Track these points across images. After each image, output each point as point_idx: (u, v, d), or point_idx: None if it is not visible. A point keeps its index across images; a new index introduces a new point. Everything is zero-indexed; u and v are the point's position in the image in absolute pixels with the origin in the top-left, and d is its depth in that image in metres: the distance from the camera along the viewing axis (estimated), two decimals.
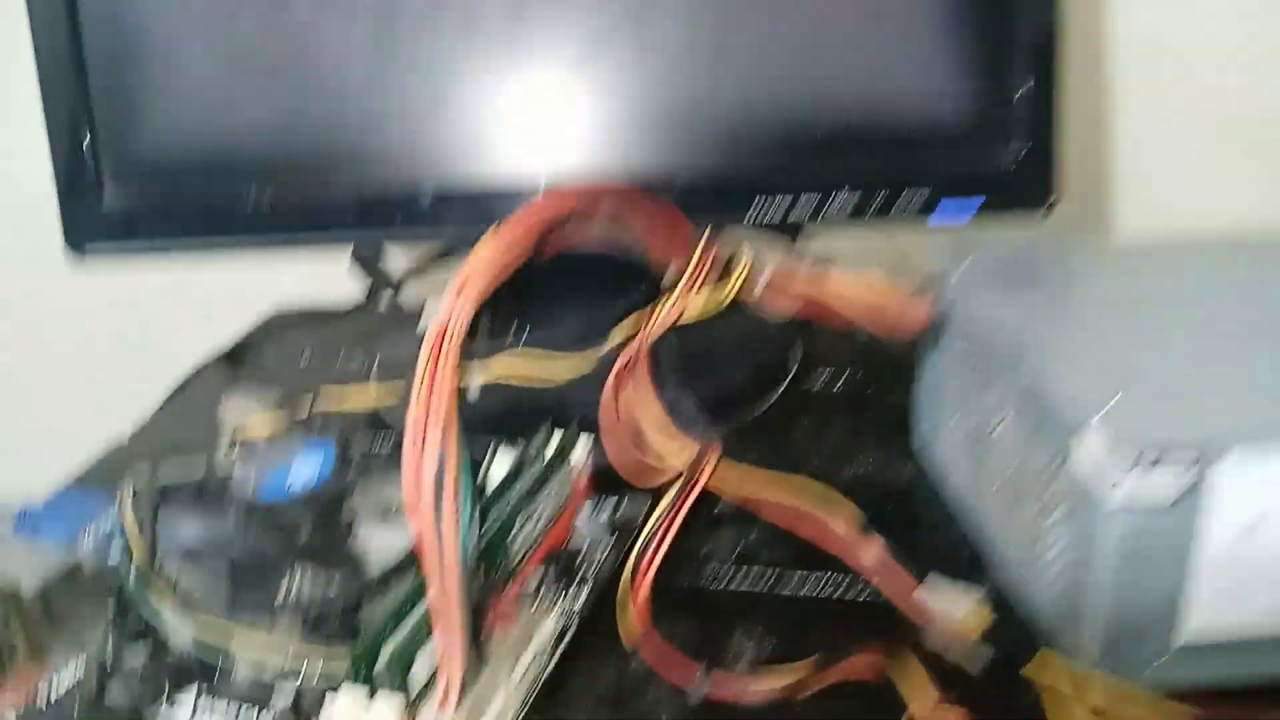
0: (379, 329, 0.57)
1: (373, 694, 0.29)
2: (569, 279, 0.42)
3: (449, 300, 0.31)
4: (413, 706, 0.30)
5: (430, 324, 0.30)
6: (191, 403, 0.54)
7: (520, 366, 0.40)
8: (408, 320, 0.56)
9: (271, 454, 0.35)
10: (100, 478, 0.48)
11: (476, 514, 0.30)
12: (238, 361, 0.57)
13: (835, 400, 0.51)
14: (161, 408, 0.55)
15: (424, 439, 0.29)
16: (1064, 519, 0.32)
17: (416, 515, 0.29)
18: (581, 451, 0.39)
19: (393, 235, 0.48)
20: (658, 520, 0.35)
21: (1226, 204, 0.63)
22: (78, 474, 0.48)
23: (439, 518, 0.29)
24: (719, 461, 0.37)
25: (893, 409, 0.47)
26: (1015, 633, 0.34)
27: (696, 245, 0.38)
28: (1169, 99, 0.61)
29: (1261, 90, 0.60)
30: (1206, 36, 0.59)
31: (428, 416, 0.29)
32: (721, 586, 0.38)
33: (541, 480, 0.37)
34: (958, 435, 0.41)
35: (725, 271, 0.40)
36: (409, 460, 0.29)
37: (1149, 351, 0.35)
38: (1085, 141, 0.62)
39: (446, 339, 0.30)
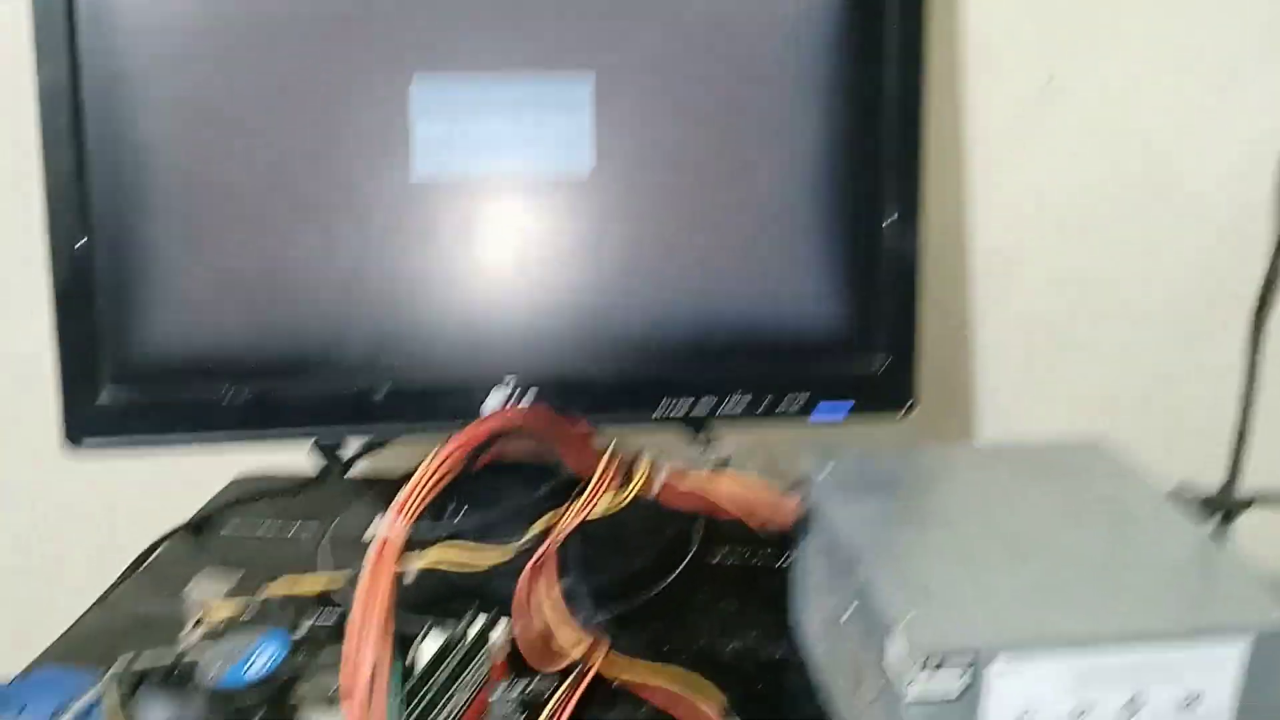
0: (331, 502, 0.64)
1: None
2: (496, 480, 0.50)
3: (390, 518, 0.38)
4: None
5: (373, 537, 0.37)
6: (157, 573, 0.60)
7: (451, 555, 0.47)
8: (357, 493, 0.63)
9: (232, 642, 0.42)
10: (74, 649, 0.53)
11: (401, 707, 0.36)
12: (201, 532, 0.64)
13: (728, 579, 0.58)
14: (129, 577, 0.60)
15: (360, 640, 0.36)
16: (881, 704, 0.39)
17: (351, 707, 0.35)
18: (500, 634, 0.46)
19: (351, 430, 0.56)
20: (555, 703, 0.41)
21: (1067, 407, 0.72)
22: (53, 646, 0.53)
23: (370, 710, 0.35)
24: (608, 652, 0.44)
25: (778, 588, 0.55)
26: None
27: (603, 456, 0.46)
28: (1019, 310, 0.71)
29: (1096, 302, 0.70)
30: (1052, 251, 0.69)
31: (365, 620, 0.36)
32: None
33: (465, 660, 0.44)
34: (818, 619, 0.49)
35: (627, 475, 0.47)
36: (348, 658, 0.36)
37: (953, 559, 0.43)
38: (946, 350, 0.71)
39: (385, 554, 0.37)
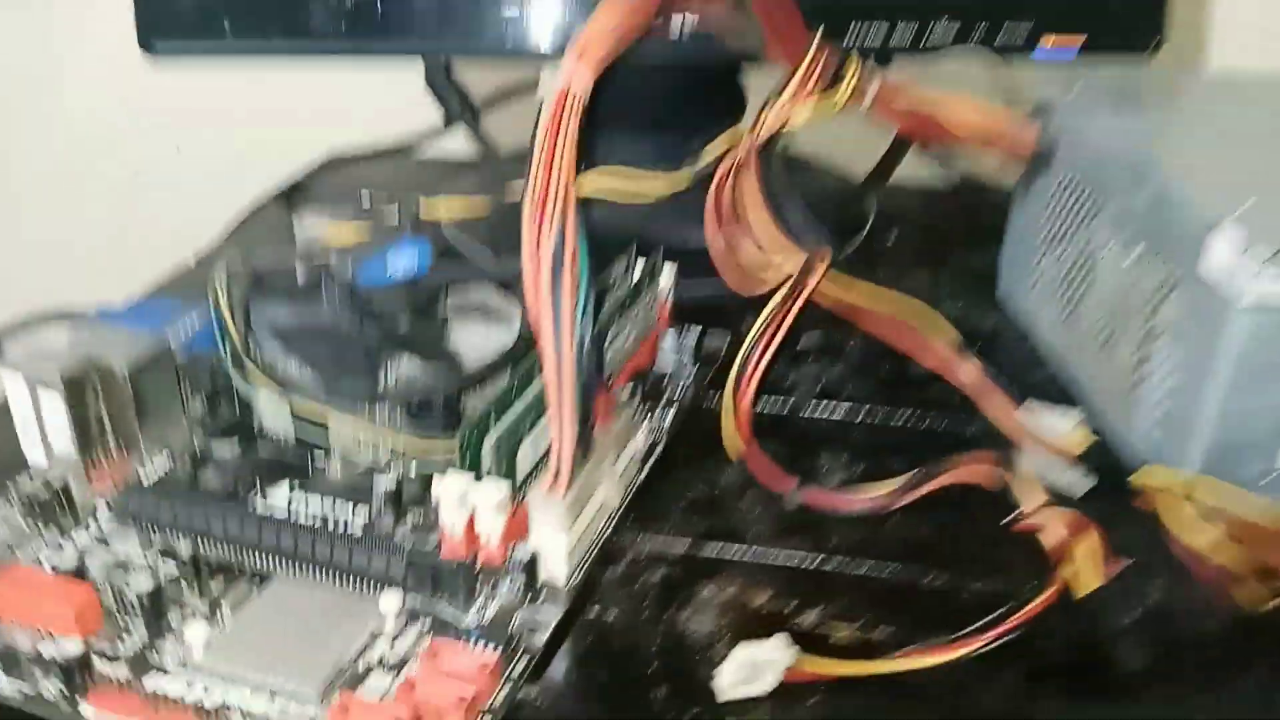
0: (432, 172, 0.56)
1: (479, 478, 0.29)
2: (660, 95, 0.41)
3: (569, 64, 0.29)
4: (518, 490, 0.30)
5: (548, 91, 0.28)
6: (253, 236, 0.53)
7: (613, 183, 0.39)
8: (475, 166, 0.54)
9: (367, 248, 0.35)
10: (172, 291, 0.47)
11: (592, 291, 0.29)
12: (295, 200, 0.56)
13: (913, 257, 0.50)
14: (223, 242, 0.53)
15: (543, 211, 0.28)
16: (1177, 335, 0.31)
17: (534, 290, 0.28)
18: (667, 279, 0.39)
19: (464, 50, 0.46)
20: (763, 324, 0.34)
21: None
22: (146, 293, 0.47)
23: (557, 293, 0.28)
24: (827, 268, 0.35)
25: (971, 266, 0.47)
26: (1112, 456, 0.34)
27: (810, 45, 0.36)
28: None
29: None
30: None
31: (548, 189, 0.28)
32: (819, 413, 0.37)
33: (629, 300, 0.36)
34: (1048, 278, 0.40)
35: (835, 79, 0.37)
36: (528, 234, 0.28)
37: (1272, 165, 0.33)
38: None
39: (568, 106, 0.28)
